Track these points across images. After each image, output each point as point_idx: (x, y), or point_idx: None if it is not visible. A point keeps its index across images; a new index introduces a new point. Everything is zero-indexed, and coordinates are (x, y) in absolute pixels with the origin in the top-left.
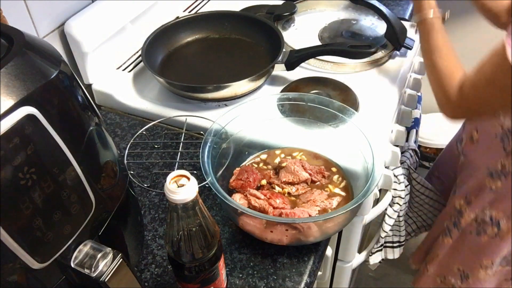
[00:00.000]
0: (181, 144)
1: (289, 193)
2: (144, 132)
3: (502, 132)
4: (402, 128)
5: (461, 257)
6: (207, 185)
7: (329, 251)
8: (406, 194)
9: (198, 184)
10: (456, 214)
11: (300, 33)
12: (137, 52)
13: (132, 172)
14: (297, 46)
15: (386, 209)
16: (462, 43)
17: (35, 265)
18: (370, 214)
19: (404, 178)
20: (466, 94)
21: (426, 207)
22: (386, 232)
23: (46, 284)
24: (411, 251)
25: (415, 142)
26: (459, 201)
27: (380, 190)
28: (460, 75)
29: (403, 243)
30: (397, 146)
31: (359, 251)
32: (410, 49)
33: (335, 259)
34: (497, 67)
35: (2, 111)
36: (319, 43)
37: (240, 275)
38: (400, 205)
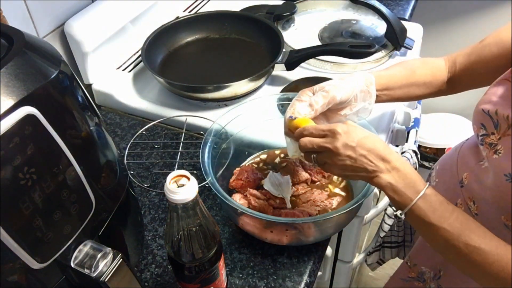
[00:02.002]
0: (181, 144)
1: None
2: (144, 132)
3: None
4: (402, 128)
5: None
6: (207, 185)
7: (329, 251)
8: None
9: (198, 184)
10: None
11: (300, 33)
12: (137, 52)
13: (132, 172)
14: (297, 46)
15: (385, 209)
16: (461, 43)
17: (35, 265)
18: (370, 214)
19: None
20: None
21: None
22: (385, 232)
23: (46, 284)
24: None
25: (415, 142)
26: None
27: (380, 190)
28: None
29: (401, 243)
30: (397, 146)
31: (359, 251)
32: (410, 49)
33: (335, 259)
34: None
35: (2, 111)
36: (319, 43)
37: (240, 275)
38: None
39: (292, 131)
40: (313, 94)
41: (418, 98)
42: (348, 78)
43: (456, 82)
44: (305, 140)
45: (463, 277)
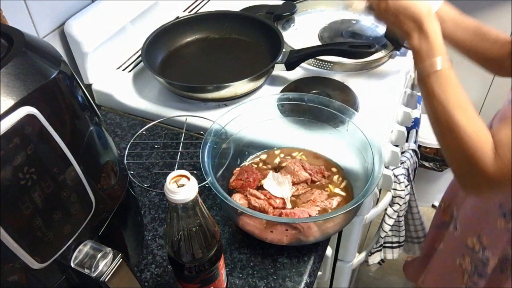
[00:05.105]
0: (181, 144)
1: None
2: (144, 132)
3: None
4: (402, 128)
5: None
6: (207, 185)
7: (329, 251)
8: (406, 194)
9: (198, 184)
10: (470, 253)
11: (300, 33)
12: (137, 52)
13: (132, 172)
14: (297, 46)
15: (386, 209)
16: None
17: (35, 265)
18: (370, 214)
19: (404, 178)
20: (507, 158)
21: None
22: (386, 232)
23: (46, 284)
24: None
25: (415, 142)
26: (472, 239)
27: (380, 190)
28: (490, 139)
29: (402, 243)
30: (397, 146)
31: (359, 251)
32: (410, 49)
33: (335, 259)
34: None
35: (2, 111)
36: (319, 43)
37: (240, 275)
38: (400, 205)
39: None
40: None
41: (482, 59)
42: None
43: None
44: None
45: None
